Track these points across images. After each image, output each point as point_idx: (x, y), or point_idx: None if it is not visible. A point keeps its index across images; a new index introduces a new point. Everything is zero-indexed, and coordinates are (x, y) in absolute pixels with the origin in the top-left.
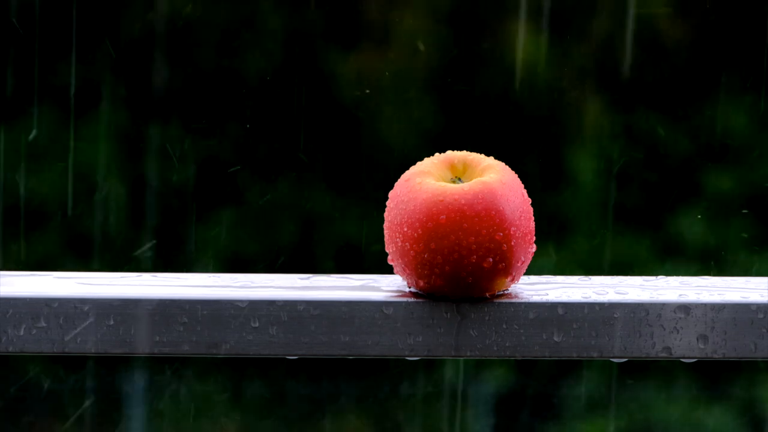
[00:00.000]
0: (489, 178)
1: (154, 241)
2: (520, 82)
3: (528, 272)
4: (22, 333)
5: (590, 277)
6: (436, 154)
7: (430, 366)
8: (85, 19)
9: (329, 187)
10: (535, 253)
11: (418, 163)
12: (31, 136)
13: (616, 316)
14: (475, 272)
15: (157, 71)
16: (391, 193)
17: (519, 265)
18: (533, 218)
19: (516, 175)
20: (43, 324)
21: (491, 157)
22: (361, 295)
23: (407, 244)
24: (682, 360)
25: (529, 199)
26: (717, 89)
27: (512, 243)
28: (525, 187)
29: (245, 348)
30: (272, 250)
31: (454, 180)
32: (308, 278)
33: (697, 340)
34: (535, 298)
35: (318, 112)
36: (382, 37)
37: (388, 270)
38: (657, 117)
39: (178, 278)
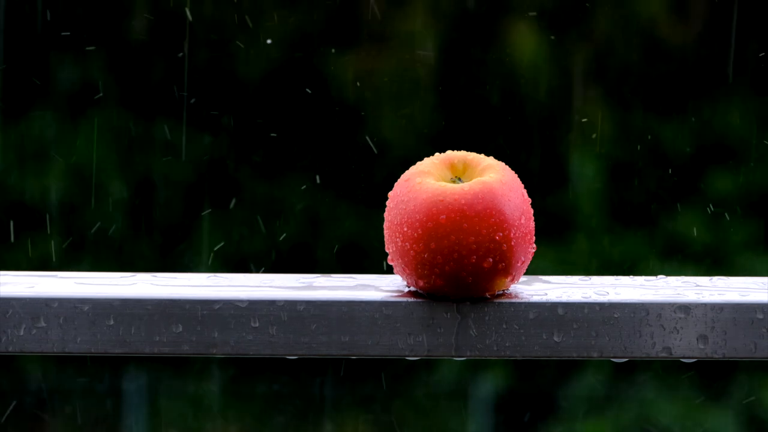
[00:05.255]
0: (489, 178)
1: (154, 241)
2: (520, 82)
3: (528, 272)
4: (22, 333)
5: (590, 277)
6: (436, 154)
7: (430, 366)
8: (85, 18)
9: (329, 187)
10: (535, 253)
11: (418, 163)
12: (31, 136)
13: (616, 316)
14: (475, 272)
15: (158, 71)
16: (390, 193)
17: (519, 265)
18: (533, 218)
19: (516, 175)
20: (43, 324)
21: (491, 157)
22: (361, 295)
23: (407, 244)
24: (682, 360)
25: (529, 199)
26: (717, 89)
27: (512, 243)
28: (525, 187)
29: (245, 348)
30: (272, 250)
31: (454, 180)
32: (308, 278)
33: (697, 340)
34: (535, 298)
35: (318, 112)
36: (382, 37)
37: (388, 270)
38: (657, 117)
39: (178, 278)
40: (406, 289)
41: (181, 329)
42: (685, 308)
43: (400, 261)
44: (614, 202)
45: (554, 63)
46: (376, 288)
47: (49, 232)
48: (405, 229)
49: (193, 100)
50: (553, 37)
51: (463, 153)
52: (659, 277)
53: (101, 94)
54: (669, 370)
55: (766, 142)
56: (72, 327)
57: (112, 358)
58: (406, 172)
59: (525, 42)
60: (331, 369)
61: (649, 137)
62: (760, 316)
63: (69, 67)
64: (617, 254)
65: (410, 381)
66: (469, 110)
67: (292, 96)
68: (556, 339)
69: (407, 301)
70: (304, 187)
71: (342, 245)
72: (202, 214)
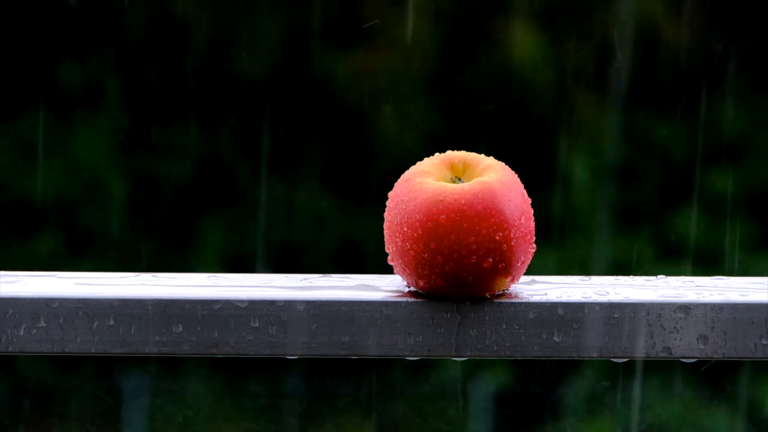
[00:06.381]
0: (489, 178)
1: (154, 241)
2: (520, 82)
3: (528, 272)
4: (22, 333)
5: (590, 277)
6: (436, 154)
7: (430, 366)
8: (85, 18)
9: (329, 187)
10: (535, 253)
11: (418, 163)
12: (31, 136)
13: (616, 316)
14: (475, 272)
15: (158, 71)
16: (390, 193)
17: (519, 265)
18: (533, 218)
19: (516, 175)
20: (43, 324)
21: (491, 157)
22: (361, 295)
23: (407, 244)
24: (682, 360)
25: (529, 199)
26: (717, 89)
27: (512, 243)
28: (524, 187)
29: (245, 348)
30: (272, 250)
31: (454, 180)
32: (308, 278)
33: (697, 340)
34: (535, 298)
35: (317, 112)
36: (382, 37)
37: (388, 270)
38: (657, 117)
39: (178, 278)
40: (406, 289)
41: (181, 329)
42: (685, 308)
43: (400, 261)
44: (614, 201)
45: (554, 63)
46: (376, 288)
47: (49, 232)
48: (405, 229)
49: (193, 100)
50: (552, 37)
51: (463, 153)
52: (659, 277)
53: (102, 94)
54: (669, 370)
55: (765, 141)
56: (72, 327)
57: (112, 358)
58: (406, 172)
59: (524, 42)
60: (331, 369)
61: (649, 137)
62: (760, 316)
63: (69, 66)
64: (617, 254)
65: (410, 381)
66: (469, 110)
67: (292, 96)
68: (556, 339)
69: (407, 301)
70: (304, 187)
71: (342, 245)
72: (202, 214)
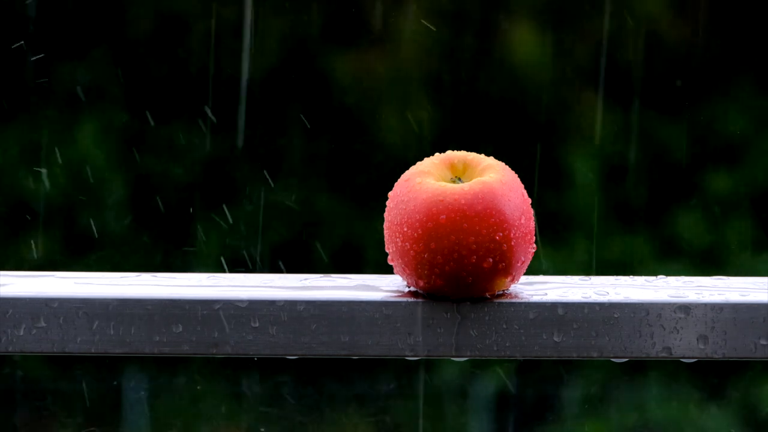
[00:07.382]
0: (489, 178)
1: (154, 241)
2: (520, 82)
3: (528, 272)
4: (22, 333)
5: (590, 277)
6: (436, 154)
7: (430, 366)
8: (85, 18)
9: (329, 187)
10: (535, 253)
11: (418, 163)
12: (31, 135)
13: (616, 316)
14: (475, 272)
15: (157, 70)
16: (390, 193)
17: (519, 265)
18: (533, 218)
19: (516, 175)
20: (43, 324)
21: (491, 157)
22: (361, 295)
23: (407, 244)
24: (682, 360)
25: (529, 199)
26: (717, 89)
27: (512, 243)
28: (525, 187)
29: (245, 348)
30: (272, 250)
31: (454, 180)
32: (308, 278)
33: (697, 340)
34: (535, 298)
35: (318, 112)
36: (382, 37)
37: (388, 270)
38: (657, 117)
39: (178, 278)
40: (406, 289)
41: (181, 329)
42: (685, 308)
43: (400, 261)
44: (614, 201)
45: (554, 63)
46: (376, 288)
47: (49, 232)
48: (405, 229)
49: (193, 100)
50: (553, 37)
51: (463, 153)
52: (659, 277)
53: (101, 94)
54: (669, 370)
55: (765, 141)
56: (72, 327)
57: (112, 358)
58: (406, 172)
59: (525, 42)
60: (331, 369)
61: (649, 137)
62: (760, 316)
63: (69, 66)
64: (617, 254)
65: (410, 381)
66: (469, 110)
67: (291, 96)
68: (556, 339)
69: (407, 301)
70: (304, 186)
71: (342, 245)
72: (202, 214)
